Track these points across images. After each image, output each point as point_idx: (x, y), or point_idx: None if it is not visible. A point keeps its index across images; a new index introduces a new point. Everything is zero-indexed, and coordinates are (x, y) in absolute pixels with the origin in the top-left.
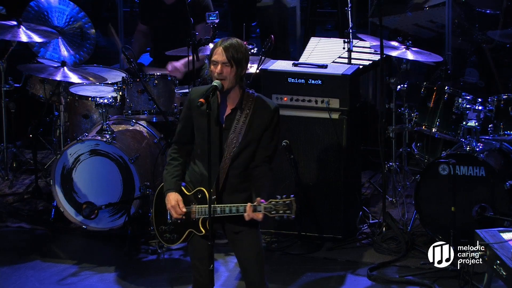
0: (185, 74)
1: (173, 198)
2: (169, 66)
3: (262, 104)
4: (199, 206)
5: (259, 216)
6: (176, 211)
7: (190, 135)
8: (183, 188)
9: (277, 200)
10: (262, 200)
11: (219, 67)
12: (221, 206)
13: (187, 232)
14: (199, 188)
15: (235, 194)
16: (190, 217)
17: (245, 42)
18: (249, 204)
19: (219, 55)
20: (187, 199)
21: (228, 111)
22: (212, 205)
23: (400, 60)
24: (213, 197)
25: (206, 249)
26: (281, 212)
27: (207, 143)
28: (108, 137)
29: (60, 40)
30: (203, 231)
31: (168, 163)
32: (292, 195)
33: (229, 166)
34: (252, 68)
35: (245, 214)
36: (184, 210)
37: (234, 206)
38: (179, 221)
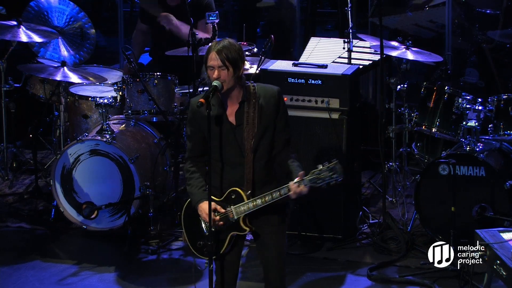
0: (184, 72)
1: (207, 207)
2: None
3: (265, 90)
4: (235, 206)
5: (304, 189)
6: (214, 217)
7: (202, 147)
8: (212, 196)
9: (320, 168)
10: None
11: (216, 72)
12: (261, 197)
13: (229, 236)
14: (231, 189)
15: (266, 186)
16: (229, 220)
17: (245, 43)
18: (291, 182)
19: (214, 60)
20: (218, 205)
21: (235, 107)
22: (250, 199)
23: (400, 60)
24: (248, 193)
25: (235, 256)
26: (327, 178)
27: (219, 143)
28: (108, 137)
29: (60, 40)
30: (247, 229)
31: (189, 178)
32: (334, 159)
33: (252, 159)
34: (252, 68)
35: (291, 193)
36: (223, 210)
37: (274, 191)
38: (218, 228)
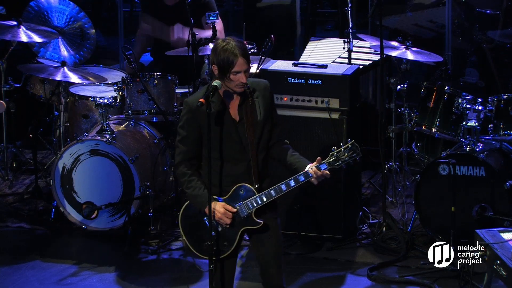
0: (184, 72)
1: (219, 206)
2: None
3: (257, 84)
4: (246, 201)
5: (327, 173)
6: (228, 215)
7: (197, 148)
8: (214, 197)
9: (338, 150)
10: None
11: (244, 76)
12: (274, 188)
13: (240, 232)
14: (237, 185)
15: (266, 179)
16: (240, 217)
17: (245, 42)
18: (310, 165)
19: (244, 65)
20: (226, 203)
21: (236, 103)
22: (262, 192)
23: (400, 60)
24: (256, 186)
25: (234, 256)
26: (347, 158)
27: (219, 140)
28: (108, 137)
29: (60, 40)
30: (261, 221)
31: (188, 181)
32: (349, 139)
33: (256, 153)
34: (252, 68)
35: (313, 178)
36: (235, 210)
37: (289, 180)
38: (227, 227)
